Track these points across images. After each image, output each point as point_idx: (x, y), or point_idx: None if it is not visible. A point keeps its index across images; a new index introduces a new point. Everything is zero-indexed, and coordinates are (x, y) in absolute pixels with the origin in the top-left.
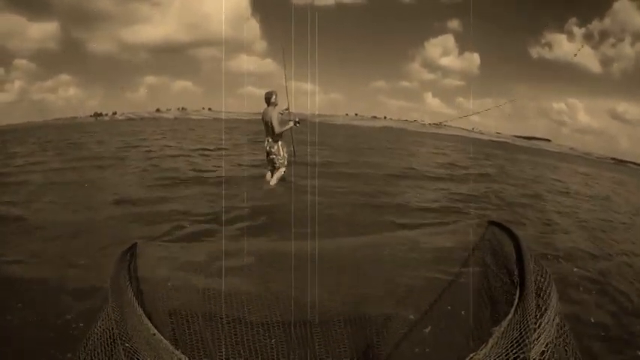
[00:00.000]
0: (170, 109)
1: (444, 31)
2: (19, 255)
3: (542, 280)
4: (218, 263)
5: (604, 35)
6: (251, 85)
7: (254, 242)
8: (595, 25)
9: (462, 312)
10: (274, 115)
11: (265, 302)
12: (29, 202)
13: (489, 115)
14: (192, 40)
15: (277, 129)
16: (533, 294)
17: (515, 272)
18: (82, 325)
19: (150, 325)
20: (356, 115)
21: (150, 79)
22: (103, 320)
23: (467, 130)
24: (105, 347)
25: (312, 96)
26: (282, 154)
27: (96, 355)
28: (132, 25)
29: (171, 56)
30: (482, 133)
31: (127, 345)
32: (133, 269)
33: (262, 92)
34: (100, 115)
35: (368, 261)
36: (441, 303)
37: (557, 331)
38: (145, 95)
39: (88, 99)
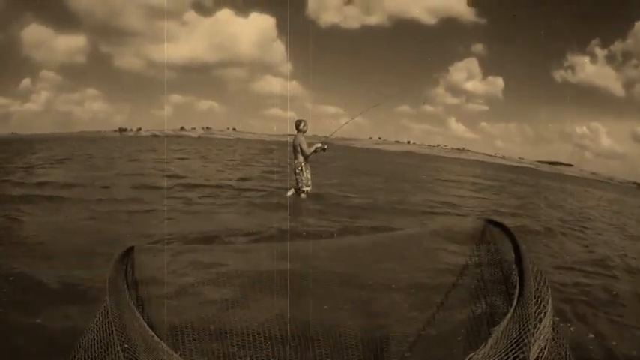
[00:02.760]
0: (195, 128)
1: (467, 54)
2: None
3: (539, 279)
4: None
5: (627, 56)
6: (276, 107)
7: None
8: (617, 47)
9: (462, 312)
10: (303, 141)
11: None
12: None
13: (512, 140)
14: (218, 61)
15: (307, 152)
16: (533, 294)
17: (514, 272)
18: None
19: (147, 327)
20: (379, 139)
21: (175, 97)
22: (99, 318)
23: (489, 155)
24: (101, 344)
25: (335, 119)
26: (305, 175)
27: (92, 351)
28: (159, 43)
29: (198, 76)
30: (504, 158)
31: (126, 346)
32: (130, 272)
33: (287, 115)
34: (125, 130)
35: (370, 260)
36: (444, 303)
37: (553, 329)
38: (171, 113)
39: (114, 114)
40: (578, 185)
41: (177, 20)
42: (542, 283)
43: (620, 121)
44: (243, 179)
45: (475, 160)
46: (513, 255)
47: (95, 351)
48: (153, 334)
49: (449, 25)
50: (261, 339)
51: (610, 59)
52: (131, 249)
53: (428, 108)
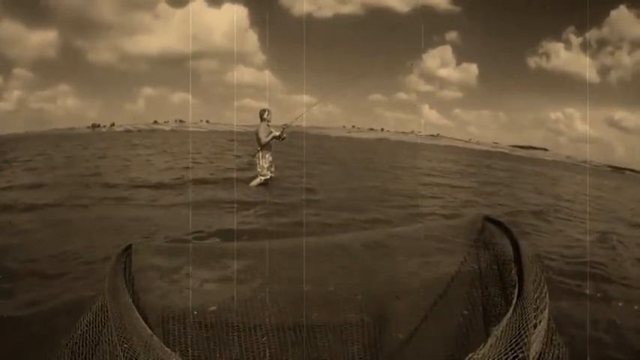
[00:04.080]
0: (168, 122)
1: (441, 42)
2: None
3: (537, 277)
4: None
5: (602, 44)
6: (249, 98)
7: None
8: (593, 34)
9: (461, 311)
10: (260, 128)
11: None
12: None
13: (487, 126)
14: (191, 52)
15: (262, 140)
16: (532, 293)
17: (514, 271)
18: None
19: (146, 326)
20: (353, 127)
21: (148, 91)
22: (92, 316)
23: (464, 140)
24: (92, 336)
25: (308, 108)
26: (261, 163)
27: (83, 342)
28: (132, 35)
29: (170, 68)
30: (479, 144)
31: (125, 346)
32: (128, 270)
33: (260, 105)
34: (98, 126)
35: (367, 257)
36: (441, 303)
37: (550, 328)
38: (144, 107)
39: (87, 109)
40: (555, 169)
41: (150, 12)
42: (539, 282)
43: (594, 107)
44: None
45: (450, 146)
46: (512, 253)
47: (95, 351)
48: (151, 333)
49: (423, 13)
50: (260, 336)
51: (585, 46)
52: (129, 247)
53: (401, 95)
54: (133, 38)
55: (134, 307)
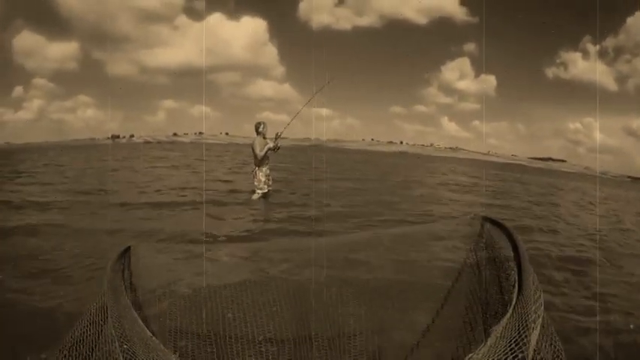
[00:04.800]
0: (187, 134)
1: (460, 54)
2: None
3: (533, 279)
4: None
5: (619, 51)
6: (268, 111)
7: None
8: (609, 42)
9: (461, 311)
10: (256, 143)
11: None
12: None
13: (505, 138)
14: (210, 65)
15: (258, 154)
16: (532, 293)
17: (513, 270)
18: None
19: (145, 328)
20: (372, 140)
21: (168, 103)
22: (91, 316)
23: (482, 153)
24: (91, 336)
25: (328, 121)
26: (258, 177)
27: (82, 342)
28: (151, 48)
29: (190, 80)
30: (497, 156)
31: (125, 346)
32: (127, 272)
33: (280, 117)
34: (118, 137)
35: (365, 258)
36: (446, 306)
37: (546, 327)
38: (164, 119)
39: (107, 121)
40: (572, 181)
41: (168, 25)
42: (535, 283)
43: (613, 116)
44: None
45: (469, 159)
46: (512, 253)
47: (94, 350)
48: (151, 334)
49: (440, 24)
50: (260, 339)
51: (602, 55)
52: (128, 249)
53: (420, 108)
54: (152, 51)
55: (133, 308)
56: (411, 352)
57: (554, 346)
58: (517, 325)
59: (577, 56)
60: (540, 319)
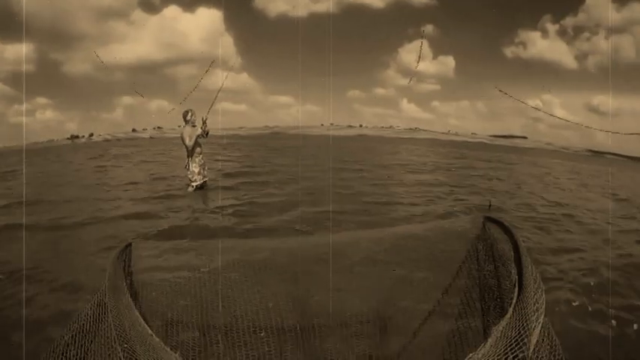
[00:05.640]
0: (146, 129)
1: (418, 36)
2: None
3: (535, 279)
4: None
5: (578, 30)
6: (228, 101)
7: None
8: (569, 21)
9: (461, 311)
10: (185, 133)
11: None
12: None
13: (466, 117)
14: (167, 59)
15: (188, 145)
16: (533, 293)
17: (513, 271)
18: None
19: (146, 326)
20: (332, 124)
21: (126, 99)
22: (91, 308)
23: (442, 132)
24: (88, 333)
25: (287, 108)
26: (191, 169)
27: (79, 338)
28: (108, 44)
29: (148, 75)
30: (458, 135)
31: (125, 346)
32: (127, 269)
33: (239, 108)
34: (77, 137)
35: (365, 257)
36: (441, 302)
37: (545, 327)
38: (122, 115)
39: (66, 121)
40: (534, 156)
41: (124, 20)
42: (537, 283)
43: (573, 93)
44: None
45: (429, 139)
46: (512, 253)
47: (90, 347)
48: (151, 332)
49: (398, 7)
50: (260, 333)
51: (562, 34)
52: (129, 245)
53: (379, 91)
54: (109, 47)
55: (134, 305)
56: (404, 350)
57: (554, 349)
58: (517, 325)
59: (536, 35)
60: (541, 320)
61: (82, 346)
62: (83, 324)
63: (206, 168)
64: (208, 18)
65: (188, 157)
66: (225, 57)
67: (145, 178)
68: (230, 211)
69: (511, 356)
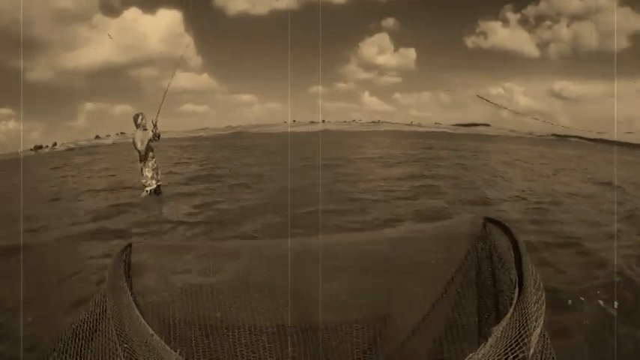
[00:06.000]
0: (109, 135)
1: (378, 30)
2: None
3: (535, 280)
4: None
5: (540, 19)
6: (190, 103)
7: None
8: (530, 10)
9: (461, 311)
10: (136, 137)
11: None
12: None
13: (428, 108)
14: (129, 62)
15: (140, 149)
16: (533, 293)
17: (514, 271)
18: None
19: (146, 325)
20: (294, 121)
21: (89, 106)
22: (91, 308)
23: (405, 124)
24: (87, 332)
25: (249, 107)
26: (144, 173)
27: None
28: (69, 50)
29: (110, 80)
30: (421, 126)
31: (125, 346)
32: (128, 269)
33: (201, 109)
34: (41, 147)
35: (364, 258)
36: (441, 303)
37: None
38: (85, 122)
39: (30, 131)
40: (497, 142)
41: (85, 24)
42: (537, 284)
43: (535, 80)
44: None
45: (391, 131)
46: (512, 253)
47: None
48: (152, 332)
49: (358, 2)
50: (261, 333)
51: (523, 23)
52: (129, 246)
53: (341, 85)
54: (71, 53)
55: (134, 305)
56: (402, 345)
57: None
58: (517, 325)
59: (497, 25)
60: (542, 320)
61: (82, 345)
62: (83, 323)
63: (159, 172)
64: (168, 19)
65: (140, 161)
66: (186, 57)
67: (105, 187)
68: (195, 219)
69: (511, 356)
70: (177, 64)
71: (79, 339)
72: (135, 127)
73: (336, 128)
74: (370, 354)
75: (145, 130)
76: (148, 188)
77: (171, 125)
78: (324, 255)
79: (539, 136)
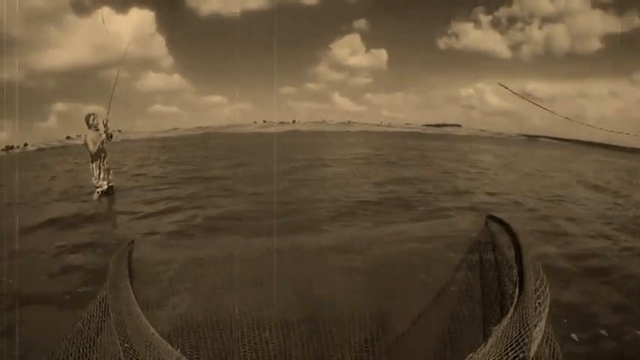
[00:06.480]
0: (80, 136)
1: (350, 31)
2: None
3: (538, 277)
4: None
5: (512, 21)
6: (160, 103)
7: None
8: (502, 12)
9: (462, 311)
10: (88, 138)
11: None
12: None
13: (399, 108)
14: (101, 62)
15: (92, 150)
16: (534, 293)
17: (515, 270)
18: None
19: (148, 323)
20: (264, 122)
21: (60, 106)
22: (94, 312)
23: (375, 124)
24: (91, 331)
25: (220, 108)
26: (95, 174)
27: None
28: (40, 50)
29: (81, 80)
30: (391, 126)
31: (126, 345)
32: (129, 267)
33: (171, 109)
34: (12, 147)
35: (367, 256)
36: (440, 300)
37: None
38: (56, 123)
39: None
40: (466, 142)
41: (56, 24)
42: (539, 281)
43: (506, 81)
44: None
45: (362, 131)
46: (513, 251)
47: (94, 344)
48: (154, 331)
49: (330, 3)
50: (260, 330)
51: (495, 24)
52: (131, 243)
53: (311, 86)
54: (42, 53)
55: (135, 303)
56: (397, 341)
57: (551, 347)
58: (518, 325)
59: (469, 26)
60: (544, 319)
61: (85, 343)
62: (87, 322)
63: (111, 172)
64: (140, 19)
65: (92, 162)
66: (157, 58)
67: (65, 189)
68: (169, 229)
69: (512, 356)
70: (120, 63)
71: (83, 337)
72: (87, 128)
73: (307, 129)
74: (371, 348)
75: (97, 130)
76: (99, 189)
77: (141, 126)
78: (327, 254)
79: (510, 135)
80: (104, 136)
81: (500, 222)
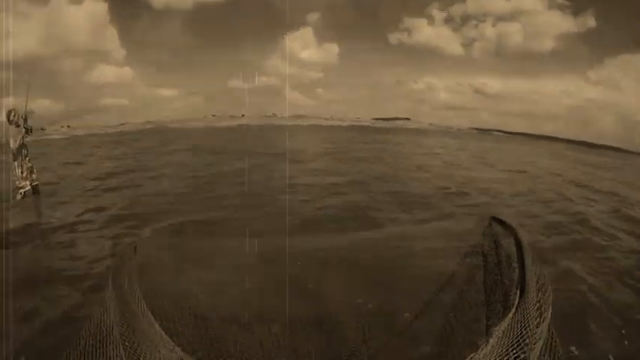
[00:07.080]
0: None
1: (302, 24)
2: None
3: (540, 279)
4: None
5: (466, 18)
6: (110, 97)
7: None
8: (457, 9)
9: (463, 311)
10: (9, 134)
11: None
12: None
13: (349, 103)
14: (52, 54)
15: (12, 147)
16: (535, 294)
17: (516, 271)
18: None
19: (153, 320)
20: (213, 116)
21: (8, 101)
22: (102, 309)
23: (325, 118)
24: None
25: (170, 102)
26: (17, 173)
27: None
28: None
29: (32, 73)
30: (341, 120)
31: (126, 344)
32: (132, 267)
33: (122, 102)
34: None
35: (369, 255)
36: (438, 300)
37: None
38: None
39: None
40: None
41: (8, 13)
42: (541, 282)
43: (458, 76)
44: None
45: (313, 125)
46: (516, 252)
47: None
48: (155, 330)
49: None
50: (260, 326)
51: (449, 21)
52: (133, 245)
53: (262, 79)
54: None
55: (139, 302)
56: (397, 341)
57: (554, 350)
58: (519, 325)
59: (422, 22)
60: (547, 320)
61: (99, 340)
62: (99, 322)
63: (35, 171)
64: (93, 9)
65: (14, 160)
66: (110, 50)
67: None
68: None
69: (512, 356)
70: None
71: (97, 335)
72: (8, 124)
73: (257, 123)
74: (371, 345)
75: (18, 126)
76: (22, 190)
77: (90, 120)
78: (329, 253)
79: (460, 129)
80: (24, 131)
81: (503, 223)
